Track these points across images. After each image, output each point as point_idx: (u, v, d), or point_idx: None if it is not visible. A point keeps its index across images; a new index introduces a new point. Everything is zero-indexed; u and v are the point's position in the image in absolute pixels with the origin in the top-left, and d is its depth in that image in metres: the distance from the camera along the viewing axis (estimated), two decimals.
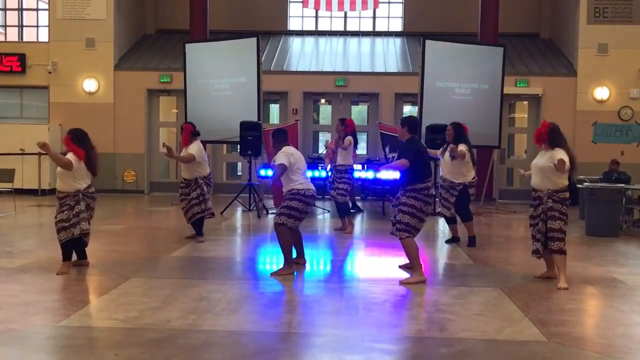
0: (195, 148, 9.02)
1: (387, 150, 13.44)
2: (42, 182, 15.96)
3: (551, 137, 6.75)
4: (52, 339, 4.75)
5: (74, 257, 7.14)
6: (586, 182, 11.76)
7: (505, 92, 14.28)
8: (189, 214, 9.08)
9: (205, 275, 6.99)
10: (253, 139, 12.46)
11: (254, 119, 13.04)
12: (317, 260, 7.95)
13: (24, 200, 14.10)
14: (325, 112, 17.92)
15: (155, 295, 5.95)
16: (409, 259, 6.89)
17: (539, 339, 4.86)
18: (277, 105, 17.56)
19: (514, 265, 7.88)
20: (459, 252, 8.65)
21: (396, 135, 13.26)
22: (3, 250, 8.23)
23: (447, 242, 9.41)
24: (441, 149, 9.34)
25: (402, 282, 6.67)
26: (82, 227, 6.94)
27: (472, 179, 9.12)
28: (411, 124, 6.97)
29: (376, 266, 7.86)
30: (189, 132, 9.23)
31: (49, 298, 5.90)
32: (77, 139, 7.12)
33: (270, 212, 12.61)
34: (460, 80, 13.66)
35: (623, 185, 11.22)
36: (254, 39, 13.42)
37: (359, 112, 17.86)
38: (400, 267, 7.33)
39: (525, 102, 17.10)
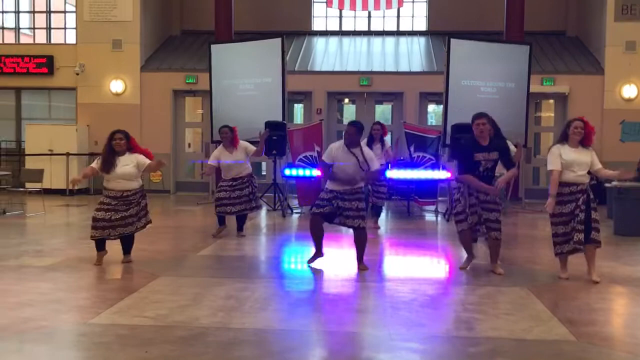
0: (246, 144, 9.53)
1: (412, 149, 13.39)
2: (70, 182, 16.15)
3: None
4: (83, 336, 4.83)
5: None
6: (614, 181, 11.61)
7: (531, 90, 14.18)
8: (237, 208, 9.31)
9: (233, 274, 7.04)
10: (278, 139, 12.50)
11: (279, 118, 13.09)
12: (345, 260, 7.93)
13: (53, 200, 14.31)
14: (349, 111, 17.92)
15: (184, 294, 6.01)
16: (497, 255, 7.11)
17: (568, 339, 4.82)
18: (302, 105, 17.61)
19: (540, 264, 7.81)
20: (485, 252, 8.58)
21: (421, 134, 13.36)
22: (33, 249, 8.36)
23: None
24: None
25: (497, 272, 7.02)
26: (147, 219, 7.49)
27: None
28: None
29: (403, 265, 7.86)
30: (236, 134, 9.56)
31: (80, 296, 6.00)
32: (127, 138, 7.40)
33: (294, 211, 12.65)
34: (486, 79, 13.58)
35: None
36: (279, 40, 13.49)
37: (382, 112, 17.84)
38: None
39: (552, 101, 16.95)
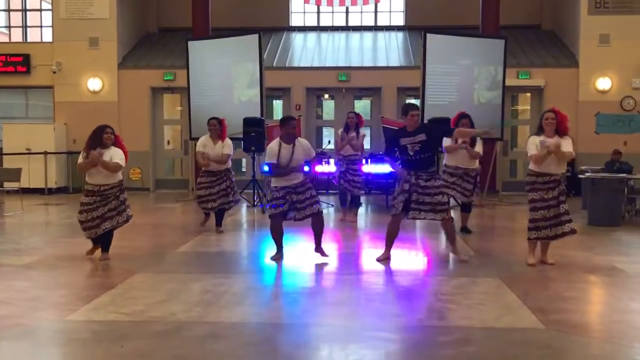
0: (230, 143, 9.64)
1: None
2: (48, 181, 16.10)
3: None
4: (60, 332, 4.87)
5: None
6: (588, 172, 11.81)
7: (507, 84, 14.35)
8: (217, 203, 9.45)
9: (210, 269, 7.09)
10: (256, 135, 12.54)
11: (257, 115, 13.13)
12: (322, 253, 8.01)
13: (31, 199, 14.25)
14: (329, 107, 18.00)
15: (160, 290, 6.06)
16: (453, 237, 7.36)
17: (537, 327, 4.93)
18: (280, 102, 17.65)
19: (515, 254, 7.92)
20: (462, 244, 8.71)
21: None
22: (11, 248, 8.35)
23: (461, 231, 9.50)
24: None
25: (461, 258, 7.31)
26: (127, 214, 7.51)
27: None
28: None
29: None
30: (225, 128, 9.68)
31: (57, 293, 6.02)
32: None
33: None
34: (462, 74, 13.71)
35: (625, 175, 11.27)
36: (256, 36, 13.52)
37: (362, 107, 17.93)
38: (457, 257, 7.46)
39: (528, 94, 17.14)
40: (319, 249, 7.50)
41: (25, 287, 6.19)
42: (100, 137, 7.30)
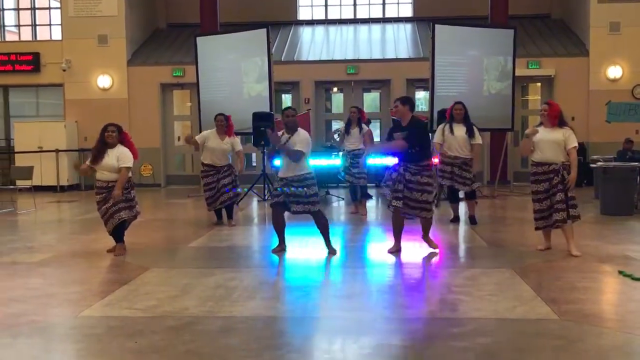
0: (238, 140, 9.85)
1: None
2: (60, 179, 16.19)
3: (561, 116, 7.25)
4: (74, 329, 4.90)
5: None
6: (600, 161, 11.74)
7: (517, 74, 14.24)
8: (223, 198, 9.48)
9: (222, 264, 7.11)
10: (266, 130, 12.50)
11: (266, 109, 13.13)
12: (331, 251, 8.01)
13: (43, 197, 14.33)
14: (337, 100, 17.98)
15: (173, 285, 6.08)
16: (427, 229, 7.42)
17: (550, 317, 4.92)
18: (289, 96, 17.64)
19: (527, 246, 7.90)
20: (473, 235, 8.71)
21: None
22: (24, 246, 8.40)
23: (469, 219, 9.55)
24: (443, 127, 9.43)
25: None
26: (137, 210, 7.60)
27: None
28: (412, 102, 7.31)
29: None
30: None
31: (70, 290, 6.05)
32: (119, 131, 7.53)
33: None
34: (471, 64, 13.64)
35: (637, 163, 11.18)
36: (264, 30, 13.51)
37: (371, 100, 17.90)
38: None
39: (538, 84, 17.04)
40: (328, 246, 7.45)
41: (39, 284, 6.23)
42: (102, 137, 7.37)
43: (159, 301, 5.51)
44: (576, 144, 7.14)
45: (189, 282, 6.18)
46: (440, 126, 9.57)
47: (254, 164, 17.53)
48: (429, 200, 7.19)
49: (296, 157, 7.12)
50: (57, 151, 16.04)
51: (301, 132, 7.35)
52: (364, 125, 10.61)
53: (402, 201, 7.10)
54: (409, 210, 7.17)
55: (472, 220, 9.50)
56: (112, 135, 7.37)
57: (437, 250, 7.48)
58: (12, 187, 13.18)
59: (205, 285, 6.05)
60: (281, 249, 7.52)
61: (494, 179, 14.89)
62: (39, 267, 7.03)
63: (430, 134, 10.25)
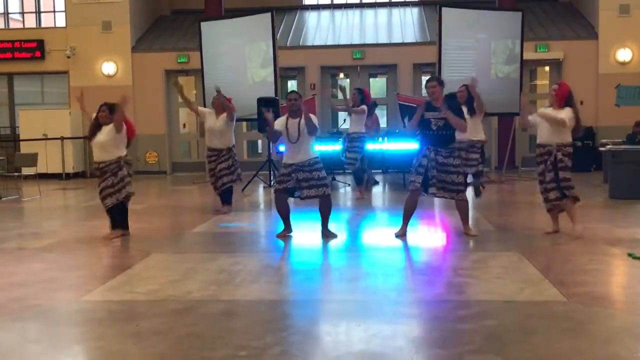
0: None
1: (406, 121, 13.34)
2: (66, 166, 16.16)
3: (569, 97, 7.17)
4: (76, 312, 4.85)
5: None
6: (609, 145, 11.59)
7: (525, 57, 14.06)
8: (219, 183, 9.28)
9: (226, 249, 7.05)
10: (266, 110, 12.40)
11: (271, 94, 13.03)
12: (338, 231, 7.92)
13: (49, 184, 14.30)
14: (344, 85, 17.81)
15: (176, 269, 6.02)
16: (466, 215, 7.30)
17: (559, 299, 4.83)
18: (295, 81, 17.52)
19: (535, 229, 7.79)
20: (480, 219, 8.60)
21: (415, 105, 13.30)
22: (28, 232, 8.37)
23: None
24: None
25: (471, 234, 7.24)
26: (127, 191, 7.49)
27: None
28: (444, 83, 7.31)
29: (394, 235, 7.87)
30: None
31: (73, 274, 6.00)
32: (111, 111, 7.52)
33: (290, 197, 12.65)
34: (479, 48, 13.47)
35: None
36: (269, 14, 13.37)
37: (378, 85, 17.76)
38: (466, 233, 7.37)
39: (547, 68, 16.85)
40: (325, 230, 7.37)
41: (42, 269, 6.18)
42: (96, 117, 7.54)
43: (161, 285, 5.44)
44: (565, 118, 6.95)
45: (192, 266, 6.12)
46: None
47: (260, 151, 17.44)
48: (459, 181, 7.11)
49: (312, 129, 7.05)
50: (62, 139, 16.00)
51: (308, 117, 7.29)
52: (363, 106, 10.51)
53: (435, 187, 7.02)
54: (445, 193, 7.09)
55: (476, 191, 9.53)
56: (103, 115, 7.50)
57: (477, 233, 7.34)
58: (17, 174, 13.14)
59: (209, 269, 5.98)
60: (287, 233, 7.45)
61: (501, 164, 14.75)
62: (43, 252, 6.98)
63: None
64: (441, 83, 7.21)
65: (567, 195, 7.09)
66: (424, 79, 17.06)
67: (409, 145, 12.06)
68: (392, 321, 4.42)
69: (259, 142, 17.26)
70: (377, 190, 12.25)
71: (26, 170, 13.18)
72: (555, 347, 3.85)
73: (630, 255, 6.15)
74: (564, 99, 7.09)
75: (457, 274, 5.69)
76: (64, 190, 13.85)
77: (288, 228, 7.48)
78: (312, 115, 7.19)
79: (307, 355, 3.86)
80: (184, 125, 17.92)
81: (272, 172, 12.89)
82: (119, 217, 7.58)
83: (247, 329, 4.31)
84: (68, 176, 16.12)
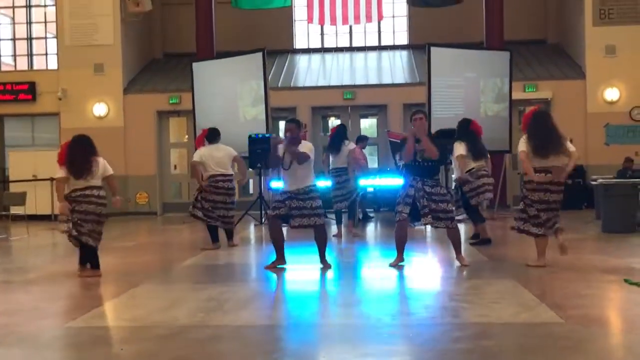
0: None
1: (397, 158, 13.33)
2: (55, 207, 15.98)
3: (530, 123, 7.16)
4: (59, 338, 4.70)
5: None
6: (600, 179, 11.59)
7: (514, 97, 14.16)
8: (231, 213, 9.22)
9: (216, 279, 6.90)
10: (262, 152, 12.39)
11: (263, 132, 13.03)
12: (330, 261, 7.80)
13: (38, 225, 14.11)
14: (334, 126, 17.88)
15: (164, 298, 5.88)
16: (458, 243, 7.23)
17: (556, 321, 4.72)
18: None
19: (531, 260, 7.68)
20: (473, 251, 8.50)
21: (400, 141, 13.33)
22: (15, 267, 8.23)
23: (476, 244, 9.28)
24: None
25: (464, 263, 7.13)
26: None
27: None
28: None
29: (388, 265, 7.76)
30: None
31: (58, 304, 5.86)
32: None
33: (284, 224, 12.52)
34: (468, 86, 13.58)
35: (638, 179, 11.03)
36: (260, 54, 13.47)
37: (369, 125, 17.82)
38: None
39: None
40: (323, 261, 7.25)
41: (26, 299, 6.03)
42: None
43: (148, 312, 5.29)
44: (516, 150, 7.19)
45: (180, 295, 5.98)
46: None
47: (251, 192, 17.33)
48: (449, 209, 7.08)
49: (301, 158, 6.98)
50: (52, 179, 15.84)
51: (304, 142, 7.28)
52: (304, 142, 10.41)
53: (430, 216, 6.96)
54: (440, 223, 7.03)
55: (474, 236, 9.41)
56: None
57: (468, 263, 7.22)
58: (5, 213, 12.97)
59: (198, 298, 5.84)
60: (279, 264, 7.30)
61: (493, 202, 14.70)
62: (28, 285, 6.82)
63: None
64: (426, 115, 7.30)
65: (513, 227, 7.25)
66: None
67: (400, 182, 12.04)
68: (387, 342, 4.30)
69: (250, 181, 17.17)
70: (370, 228, 12.14)
71: (15, 210, 13.01)
72: None
73: (626, 281, 6.05)
74: (526, 125, 7.14)
75: (452, 298, 5.57)
76: (52, 230, 13.65)
77: (281, 259, 7.32)
78: (305, 143, 7.15)
79: None
80: (175, 167, 17.85)
81: (262, 210, 12.77)
82: (88, 256, 7.21)
83: (236, 352, 4.18)
84: (57, 217, 15.92)
